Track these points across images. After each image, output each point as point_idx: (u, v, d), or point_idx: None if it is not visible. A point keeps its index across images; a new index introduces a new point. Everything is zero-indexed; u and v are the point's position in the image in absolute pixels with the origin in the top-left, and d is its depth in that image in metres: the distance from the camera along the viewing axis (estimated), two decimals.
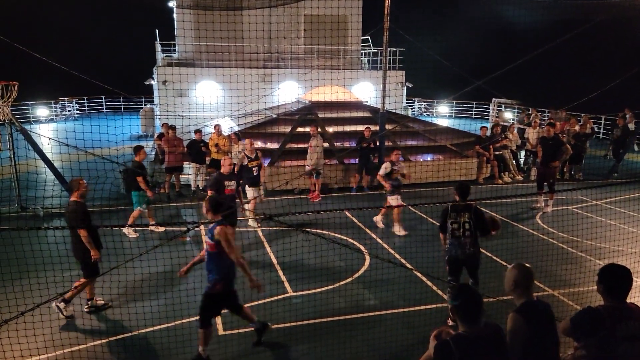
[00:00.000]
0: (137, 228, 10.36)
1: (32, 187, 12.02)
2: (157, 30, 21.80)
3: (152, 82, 22.75)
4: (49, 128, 24.63)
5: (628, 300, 3.91)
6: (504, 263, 8.73)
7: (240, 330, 6.56)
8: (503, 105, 21.32)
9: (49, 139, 10.29)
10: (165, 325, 6.67)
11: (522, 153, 16.97)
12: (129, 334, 6.42)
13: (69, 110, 29.07)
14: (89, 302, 7.13)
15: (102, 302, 7.23)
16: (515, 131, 16.62)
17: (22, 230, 7.67)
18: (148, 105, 24.83)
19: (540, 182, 12.25)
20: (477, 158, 15.37)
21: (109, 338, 6.29)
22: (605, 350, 3.68)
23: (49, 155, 11.73)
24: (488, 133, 15.89)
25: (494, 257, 9.09)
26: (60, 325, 6.01)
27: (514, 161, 16.07)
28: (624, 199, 12.80)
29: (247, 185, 10.87)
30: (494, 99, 25.85)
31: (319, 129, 13.63)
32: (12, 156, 11.51)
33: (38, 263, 6.76)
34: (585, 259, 9.11)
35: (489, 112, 28.19)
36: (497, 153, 15.38)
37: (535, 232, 10.71)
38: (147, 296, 7.31)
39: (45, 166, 11.73)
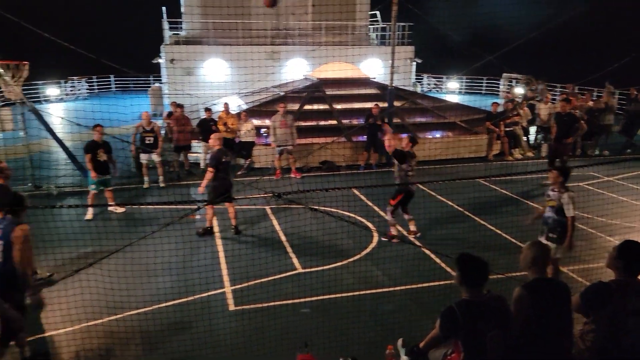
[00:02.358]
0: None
1: (45, 167, 12.21)
2: (164, 7, 21.63)
3: (160, 60, 22.69)
4: (60, 107, 24.74)
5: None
6: (514, 240, 8.75)
7: (252, 306, 6.69)
8: (514, 81, 21.04)
9: (62, 118, 10.37)
10: (173, 302, 6.80)
11: (533, 129, 16.80)
12: (142, 310, 6.57)
13: (79, 90, 29.13)
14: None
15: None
16: (525, 107, 16.42)
17: (36, 208, 7.80)
18: (156, 84, 24.81)
19: (552, 158, 12.15)
20: (487, 134, 15.26)
21: (124, 314, 6.44)
22: (615, 324, 3.73)
23: (60, 135, 11.85)
24: (500, 109, 15.72)
25: (504, 234, 9.12)
26: (75, 301, 6.16)
27: (524, 137, 15.93)
28: (636, 175, 12.69)
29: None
30: (504, 74, 25.49)
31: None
32: (25, 136, 11.62)
33: (54, 240, 6.90)
34: (596, 235, 9.10)
35: (499, 87, 27.84)
36: (507, 129, 15.25)
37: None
38: (160, 272, 7.44)
39: (58, 145, 11.84)
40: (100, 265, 6.15)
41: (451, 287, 7.07)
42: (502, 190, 11.84)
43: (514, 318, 3.69)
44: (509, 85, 24.22)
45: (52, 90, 27.69)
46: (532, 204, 10.94)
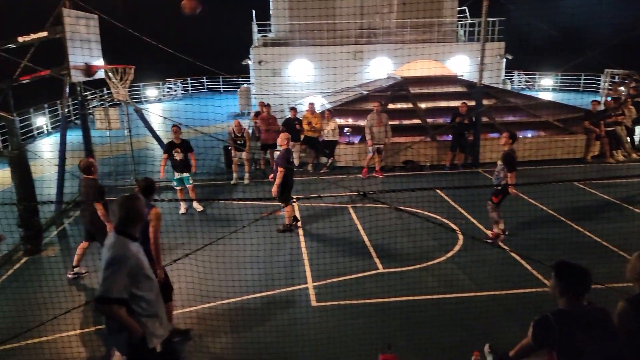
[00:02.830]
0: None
1: (144, 162, 13.21)
2: (253, 11, 22.47)
3: (249, 62, 23.60)
4: (158, 107, 26.58)
5: None
6: (614, 248, 8.14)
7: (334, 303, 6.81)
8: (617, 77, 19.45)
9: (164, 118, 11.11)
10: (260, 295, 7.08)
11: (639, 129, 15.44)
12: (232, 300, 6.92)
13: (175, 91, 31.12)
14: (74, 269, 7.78)
15: (85, 271, 7.83)
16: (630, 105, 15.13)
17: None
18: (245, 85, 25.86)
19: None
20: (585, 134, 14.26)
21: (215, 302, 6.82)
22: None
23: (159, 133, 12.74)
24: (600, 108, 14.62)
25: (604, 242, 8.50)
26: (172, 289, 6.62)
27: (628, 138, 14.69)
28: None
29: None
30: (606, 70, 23.63)
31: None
32: (129, 134, 12.63)
33: None
34: None
35: (599, 84, 25.85)
36: (608, 129, 14.15)
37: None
38: (248, 265, 7.78)
39: (156, 143, 12.74)
40: (195, 256, 6.55)
41: (543, 296, 6.72)
42: (602, 195, 11.03)
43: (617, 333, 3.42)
44: (611, 82, 22.42)
45: (151, 92, 29.83)
46: (636, 210, 10.09)
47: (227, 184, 12.60)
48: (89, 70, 10.15)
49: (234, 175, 12.75)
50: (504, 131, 9.32)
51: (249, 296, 7.03)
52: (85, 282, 7.73)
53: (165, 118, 11.09)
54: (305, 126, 13.67)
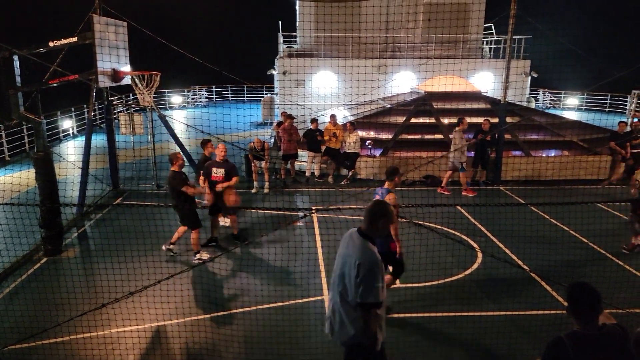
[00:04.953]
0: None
1: (166, 168, 13.36)
2: (280, 22, 22.74)
3: (274, 72, 23.83)
4: (182, 114, 26.97)
5: None
6: (639, 274, 7.91)
7: None
8: None
9: (187, 125, 11.27)
10: (275, 305, 7.06)
11: None
12: (246, 309, 6.92)
13: (199, 98, 31.57)
14: (196, 255, 8.27)
15: (207, 255, 8.21)
16: None
17: (160, 206, 8.56)
18: (268, 95, 26.10)
19: None
20: (610, 155, 13.98)
21: (230, 311, 6.83)
22: None
23: (182, 140, 12.90)
24: (628, 129, 14.33)
25: (626, 266, 8.28)
26: (188, 295, 6.66)
27: None
28: None
29: None
30: (633, 92, 23.20)
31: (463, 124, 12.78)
32: (152, 139, 12.82)
33: (171, 237, 7.53)
34: None
35: (626, 105, 25.37)
36: (635, 151, 13.84)
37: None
38: (260, 275, 7.77)
39: (179, 149, 12.91)
40: (211, 264, 6.57)
41: (561, 318, 6.55)
42: (625, 218, 10.75)
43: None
44: (638, 103, 22.00)
45: (175, 98, 30.31)
46: None
47: (247, 192, 12.67)
48: (116, 75, 10.36)
49: (255, 183, 12.83)
50: None
51: (264, 306, 7.01)
52: (102, 283, 7.83)
53: (188, 125, 11.20)
54: (327, 137, 13.72)
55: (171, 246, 8.60)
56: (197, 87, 31.22)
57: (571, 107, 29.37)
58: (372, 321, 3.84)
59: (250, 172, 13.11)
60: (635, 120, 15.52)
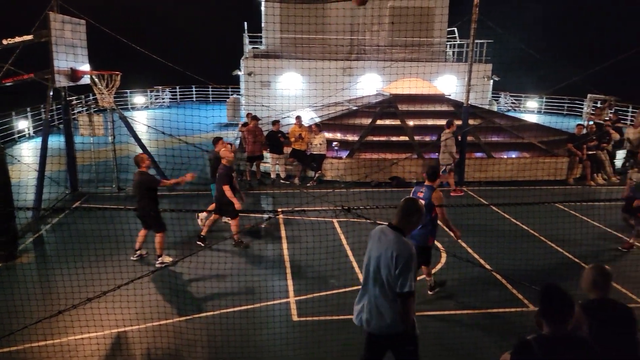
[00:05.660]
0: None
1: (126, 170, 13.03)
2: (245, 22, 22.55)
3: (239, 73, 23.61)
4: (144, 115, 26.38)
5: None
6: None
7: (315, 318, 6.71)
8: (599, 102, 19.82)
9: (148, 126, 11.00)
10: (240, 308, 6.96)
11: (621, 153, 15.69)
12: (210, 313, 6.79)
13: (162, 99, 30.96)
14: (159, 259, 8.16)
15: (170, 259, 8.16)
16: (612, 130, 15.40)
17: (120, 209, 8.34)
18: (234, 95, 25.82)
19: None
20: (568, 157, 14.47)
21: (194, 315, 6.69)
22: None
23: (144, 141, 12.61)
24: (584, 132, 14.86)
25: (582, 263, 8.56)
26: (150, 300, 6.48)
27: (609, 162, 14.92)
28: None
29: None
30: (589, 95, 24.11)
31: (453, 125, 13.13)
32: (112, 141, 12.47)
33: (133, 241, 7.33)
34: None
35: (582, 108, 26.30)
36: (590, 153, 14.37)
37: (630, 238, 9.91)
38: (224, 278, 7.66)
39: (141, 150, 12.60)
40: (173, 268, 6.43)
41: (522, 316, 6.73)
42: (582, 217, 11.15)
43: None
44: (594, 106, 22.87)
45: (138, 99, 29.64)
46: (615, 233, 10.20)
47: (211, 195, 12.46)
48: (74, 75, 10.04)
49: None
50: None
51: (229, 310, 6.90)
52: (59, 289, 7.54)
53: (149, 126, 10.95)
54: (293, 139, 13.68)
55: (138, 252, 8.42)
56: (160, 87, 30.62)
57: (531, 110, 30.28)
58: (411, 309, 4.12)
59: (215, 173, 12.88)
60: (591, 123, 16.12)
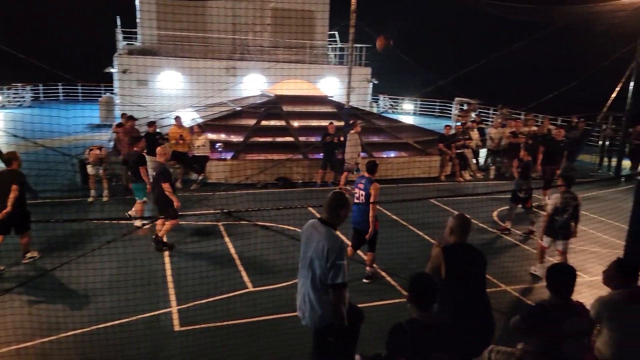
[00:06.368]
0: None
1: None
2: (118, 17, 21.13)
3: (112, 70, 22.07)
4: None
5: (577, 296, 4.06)
6: None
7: (199, 326, 6.43)
8: (465, 104, 21.77)
9: None
10: (115, 322, 6.44)
11: (484, 152, 17.33)
12: (79, 331, 6.19)
13: (22, 97, 27.84)
14: (26, 255, 8.01)
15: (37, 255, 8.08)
16: (475, 130, 16.96)
17: None
18: (107, 94, 24.07)
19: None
20: (439, 156, 15.63)
21: (59, 335, 6.04)
22: (553, 344, 3.84)
23: None
24: (452, 132, 16.16)
25: None
26: (6, 322, 5.72)
27: (474, 160, 16.40)
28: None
29: None
30: (456, 98, 26.35)
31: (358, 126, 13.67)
32: None
33: None
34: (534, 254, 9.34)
35: (451, 110, 28.68)
36: (458, 151, 15.67)
37: (493, 229, 10.96)
38: (100, 291, 7.06)
39: None
40: (34, 284, 5.75)
41: (402, 306, 7.05)
42: (453, 211, 12.06)
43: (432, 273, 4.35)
44: (460, 108, 25.04)
45: None
46: (480, 224, 11.19)
47: (82, 202, 11.46)
48: None
49: (92, 192, 11.66)
50: None
51: (103, 325, 6.34)
52: None
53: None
54: (173, 141, 13.05)
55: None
56: (19, 84, 27.50)
57: (407, 111, 32.29)
58: (342, 301, 4.20)
59: (86, 179, 11.87)
60: (458, 124, 17.58)
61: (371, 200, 7.52)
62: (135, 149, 10.23)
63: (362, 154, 13.80)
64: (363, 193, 7.67)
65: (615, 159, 17.35)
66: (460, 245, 4.48)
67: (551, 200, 8.15)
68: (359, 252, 8.21)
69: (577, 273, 4.30)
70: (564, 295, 3.96)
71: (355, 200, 7.69)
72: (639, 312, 4.27)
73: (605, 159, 17.90)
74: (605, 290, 4.52)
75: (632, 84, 15.99)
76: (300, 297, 4.52)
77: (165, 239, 9.04)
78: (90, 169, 11.51)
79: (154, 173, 8.96)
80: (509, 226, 10.71)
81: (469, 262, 4.42)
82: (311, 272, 4.27)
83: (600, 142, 18.37)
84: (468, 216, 4.62)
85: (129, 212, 10.24)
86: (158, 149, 9.19)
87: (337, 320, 4.28)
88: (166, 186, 8.68)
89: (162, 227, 9.00)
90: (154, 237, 9.02)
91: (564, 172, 10.88)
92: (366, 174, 7.83)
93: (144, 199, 10.03)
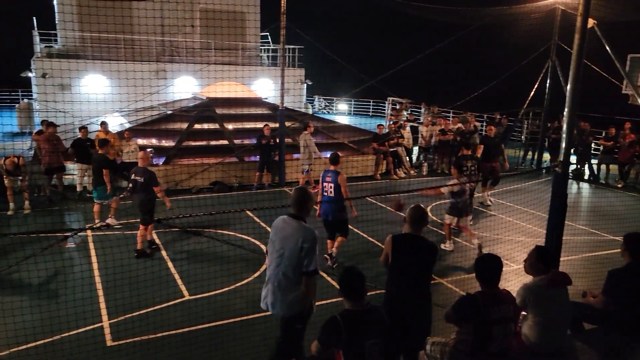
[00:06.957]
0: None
1: None
2: (34, 17, 19.88)
3: (30, 74, 20.74)
4: None
5: (505, 284, 4.27)
6: None
7: (132, 340, 6.16)
8: (397, 104, 22.36)
9: None
10: (38, 343, 6.03)
11: (416, 149, 17.87)
12: (4, 352, 5.75)
13: None
14: None
15: None
16: (408, 128, 17.46)
17: None
18: (25, 100, 22.59)
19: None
20: (374, 155, 15.93)
21: None
22: (482, 332, 4.03)
23: None
24: (385, 131, 16.54)
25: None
26: None
27: (407, 157, 16.88)
28: (502, 191, 13.99)
29: None
30: (389, 98, 27.03)
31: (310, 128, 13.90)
32: None
33: None
34: (468, 247, 9.76)
35: (384, 110, 29.37)
36: (391, 150, 16.06)
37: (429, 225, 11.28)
38: (17, 311, 6.58)
39: None
40: None
41: (340, 305, 7.10)
42: (389, 209, 12.34)
43: (384, 257, 4.76)
44: (393, 108, 25.71)
45: None
46: None
47: (2, 215, 10.68)
48: None
49: (11, 205, 10.90)
50: None
51: (23, 347, 5.91)
52: None
53: None
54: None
55: None
56: None
57: (342, 111, 32.72)
58: (312, 288, 4.51)
59: (4, 191, 11.07)
60: (391, 123, 18.03)
61: (342, 189, 8.03)
62: (100, 151, 10.11)
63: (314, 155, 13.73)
64: (332, 185, 8.12)
65: (537, 153, 18.44)
66: (411, 236, 4.70)
67: (445, 189, 9.18)
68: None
69: (504, 262, 4.52)
70: (491, 284, 4.17)
71: (325, 194, 8.15)
72: (559, 296, 4.55)
73: (530, 153, 18.96)
74: (530, 278, 4.77)
75: (548, 81, 17.09)
76: (268, 289, 4.68)
77: (149, 238, 9.06)
78: (6, 181, 10.75)
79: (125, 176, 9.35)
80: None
81: (414, 253, 4.61)
82: (283, 264, 4.49)
83: (523, 137, 19.48)
84: (424, 208, 4.85)
85: (107, 221, 10.07)
86: (140, 154, 9.13)
87: (306, 308, 4.54)
88: (157, 190, 8.70)
89: (140, 236, 8.80)
90: (137, 249, 8.82)
91: (455, 162, 11.26)
92: (331, 167, 8.27)
93: (103, 200, 9.90)
